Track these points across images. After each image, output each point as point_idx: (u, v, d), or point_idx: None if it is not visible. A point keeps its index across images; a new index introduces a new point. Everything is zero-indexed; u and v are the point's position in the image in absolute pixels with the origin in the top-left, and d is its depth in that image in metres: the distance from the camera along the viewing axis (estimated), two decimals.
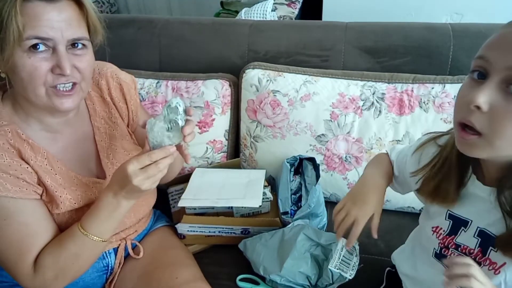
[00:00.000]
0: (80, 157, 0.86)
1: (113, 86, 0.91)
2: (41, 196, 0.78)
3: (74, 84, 0.75)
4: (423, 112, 1.12)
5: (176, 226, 1.04)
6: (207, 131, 1.24)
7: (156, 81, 1.26)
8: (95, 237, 0.77)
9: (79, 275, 0.81)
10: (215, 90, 1.23)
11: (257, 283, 0.96)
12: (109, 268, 0.95)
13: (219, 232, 1.05)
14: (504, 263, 0.63)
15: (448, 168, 0.68)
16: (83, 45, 0.75)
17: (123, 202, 0.77)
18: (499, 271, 0.63)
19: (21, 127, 0.77)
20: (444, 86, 1.11)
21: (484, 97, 0.54)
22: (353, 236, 0.74)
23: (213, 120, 1.24)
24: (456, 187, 0.68)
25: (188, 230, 1.04)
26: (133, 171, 0.71)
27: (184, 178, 1.23)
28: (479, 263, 0.66)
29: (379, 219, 0.76)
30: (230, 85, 1.25)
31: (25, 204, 0.75)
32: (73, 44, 0.73)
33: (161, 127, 0.73)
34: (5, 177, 0.72)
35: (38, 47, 0.69)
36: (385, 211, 1.12)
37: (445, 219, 0.71)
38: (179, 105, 0.73)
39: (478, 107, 0.55)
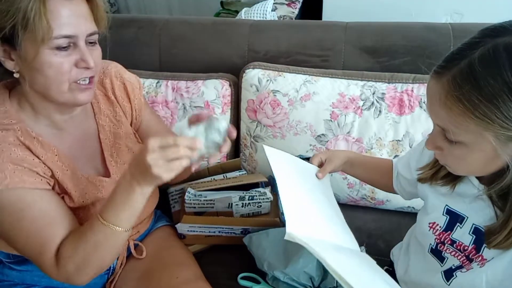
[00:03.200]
0: (86, 155, 0.86)
1: (117, 85, 0.92)
2: (53, 188, 0.78)
3: (91, 77, 0.77)
4: (423, 112, 1.12)
5: (176, 226, 1.04)
6: None
7: (156, 81, 1.26)
8: (114, 227, 0.72)
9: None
10: (215, 90, 1.23)
11: (258, 282, 0.96)
12: (111, 268, 0.95)
13: (219, 232, 1.05)
14: (492, 258, 0.65)
15: None
16: (95, 41, 0.77)
17: (136, 188, 0.70)
18: (484, 264, 0.66)
19: (29, 125, 0.77)
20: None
21: (431, 145, 0.65)
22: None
23: None
24: (457, 176, 0.70)
25: (188, 230, 1.04)
26: (152, 146, 0.65)
27: (185, 180, 1.23)
28: (471, 260, 0.68)
29: (330, 168, 0.91)
30: (230, 85, 1.25)
31: (41, 194, 0.75)
32: (89, 41, 0.75)
33: (201, 133, 0.72)
34: (20, 169, 0.72)
35: (65, 46, 0.71)
36: (385, 211, 1.13)
37: (443, 214, 0.73)
38: (224, 128, 0.72)
39: None
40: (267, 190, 1.10)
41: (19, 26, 0.67)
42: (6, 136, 0.73)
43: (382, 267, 0.97)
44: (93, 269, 0.76)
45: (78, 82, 0.75)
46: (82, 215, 0.83)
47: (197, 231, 1.04)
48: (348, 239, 0.79)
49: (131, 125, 0.97)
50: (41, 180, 0.75)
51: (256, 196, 1.06)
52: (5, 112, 0.75)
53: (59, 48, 0.70)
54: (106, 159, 0.88)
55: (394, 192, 0.93)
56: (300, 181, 0.82)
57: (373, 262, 0.77)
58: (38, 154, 0.76)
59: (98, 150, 0.89)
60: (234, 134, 0.74)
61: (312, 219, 0.75)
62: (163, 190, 1.22)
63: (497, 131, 0.54)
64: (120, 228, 0.73)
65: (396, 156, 1.15)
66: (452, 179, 0.71)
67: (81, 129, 0.86)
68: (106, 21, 0.80)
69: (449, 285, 0.72)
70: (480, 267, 0.66)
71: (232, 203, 1.06)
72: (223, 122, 0.73)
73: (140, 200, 0.73)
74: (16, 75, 0.73)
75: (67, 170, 0.80)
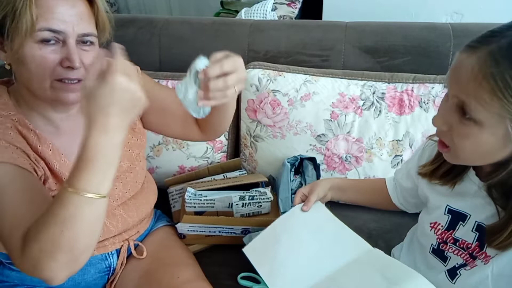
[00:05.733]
0: None
1: None
2: (46, 180, 0.76)
3: (79, 80, 0.74)
4: (423, 111, 1.12)
5: (176, 226, 1.04)
6: None
7: (156, 81, 1.26)
8: (87, 194, 0.59)
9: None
10: None
11: (258, 282, 0.96)
12: (111, 269, 0.95)
13: (219, 232, 1.05)
14: (495, 255, 0.65)
15: None
16: (91, 42, 0.75)
17: (113, 124, 0.59)
18: (488, 261, 0.66)
19: (27, 118, 0.77)
20: (444, 86, 1.11)
21: (440, 120, 0.62)
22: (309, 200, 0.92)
23: None
24: (457, 173, 0.70)
25: (188, 230, 1.04)
26: (116, 69, 0.57)
27: (184, 178, 1.23)
28: (475, 257, 0.68)
29: (314, 197, 0.93)
30: None
31: (27, 175, 0.70)
32: (82, 41, 0.74)
33: (194, 92, 0.69)
34: (12, 148, 0.70)
35: (49, 39, 0.69)
36: (385, 211, 1.13)
37: (444, 213, 0.73)
38: (205, 66, 0.68)
39: None
40: (267, 190, 1.10)
41: (8, 17, 0.67)
42: (4, 121, 0.73)
43: None
44: (64, 253, 0.59)
45: (62, 81, 0.72)
46: None
47: (197, 231, 1.04)
48: (342, 252, 0.84)
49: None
50: (25, 160, 0.71)
51: (256, 196, 1.06)
52: (4, 103, 0.75)
53: (44, 42, 0.69)
54: None
55: (396, 209, 0.93)
56: (278, 250, 0.88)
57: (383, 263, 0.79)
58: (34, 147, 0.75)
59: None
60: (210, 73, 0.67)
61: (292, 274, 0.83)
62: (164, 190, 1.22)
63: None
64: (93, 195, 0.59)
65: (396, 156, 1.15)
66: (451, 178, 0.70)
67: (79, 126, 0.85)
68: (108, 26, 0.80)
69: (454, 283, 0.72)
70: (485, 264, 0.66)
71: (232, 203, 1.06)
72: (201, 60, 0.69)
73: (117, 145, 0.61)
74: (7, 67, 0.73)
75: (61, 166, 0.80)
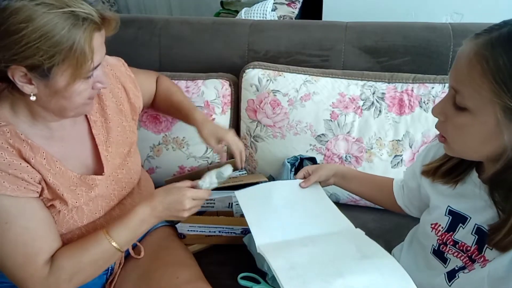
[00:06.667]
0: (77, 155, 0.86)
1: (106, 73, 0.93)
2: (41, 194, 0.77)
3: None
4: (423, 111, 1.12)
5: (176, 226, 1.04)
6: None
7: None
8: (117, 245, 0.80)
9: (88, 281, 0.81)
10: (215, 89, 1.23)
11: (258, 282, 0.96)
12: (110, 269, 0.95)
13: (219, 232, 1.05)
14: (493, 259, 0.65)
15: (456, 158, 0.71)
16: None
17: (153, 222, 0.84)
18: (485, 265, 0.65)
19: (20, 128, 0.76)
20: (444, 86, 1.11)
21: (438, 109, 0.64)
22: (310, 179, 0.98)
23: (213, 119, 1.24)
24: (460, 172, 0.70)
25: (188, 230, 1.04)
26: (191, 196, 0.84)
27: (183, 178, 1.22)
28: (474, 260, 0.67)
29: (315, 178, 0.98)
30: (230, 85, 1.25)
31: (25, 206, 0.74)
32: None
33: (214, 183, 0.90)
34: (3, 175, 0.71)
35: (91, 74, 0.74)
36: (385, 211, 1.13)
37: (445, 214, 0.73)
38: (228, 174, 0.91)
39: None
40: None
41: (59, 63, 0.68)
42: None
43: None
44: (82, 281, 0.79)
45: (89, 99, 0.79)
46: (75, 217, 0.83)
47: (197, 231, 1.04)
48: (325, 224, 0.90)
49: (132, 105, 0.99)
50: (25, 188, 0.73)
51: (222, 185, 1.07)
52: None
53: (88, 77, 0.73)
54: (101, 154, 0.88)
55: (396, 210, 0.94)
56: (268, 205, 0.95)
57: (361, 240, 0.84)
58: (27, 158, 0.75)
59: (91, 147, 0.89)
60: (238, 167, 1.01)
61: (276, 227, 0.88)
62: None
63: (508, 102, 0.53)
64: (119, 249, 0.80)
65: (396, 156, 1.15)
66: (454, 176, 0.70)
67: (73, 129, 0.87)
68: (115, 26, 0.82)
69: (450, 286, 0.72)
70: (482, 267, 0.66)
71: (232, 203, 1.06)
72: (229, 169, 0.91)
73: (146, 230, 0.85)
74: (32, 98, 0.72)
75: (56, 174, 0.79)
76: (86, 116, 0.89)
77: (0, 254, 0.73)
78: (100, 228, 0.81)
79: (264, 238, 0.84)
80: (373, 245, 0.80)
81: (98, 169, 0.89)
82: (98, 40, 0.72)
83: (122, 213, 0.91)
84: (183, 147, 1.24)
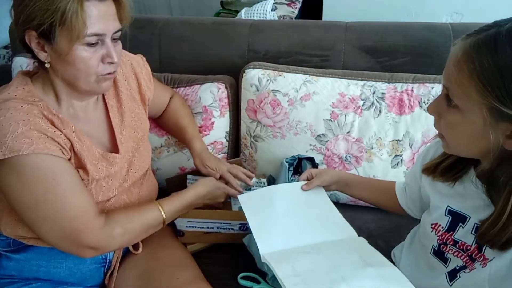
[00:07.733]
0: (97, 134, 0.93)
1: (123, 62, 0.99)
2: (69, 159, 0.83)
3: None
4: (423, 111, 1.12)
5: (175, 221, 1.04)
6: (208, 134, 1.24)
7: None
8: (164, 216, 0.91)
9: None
10: (211, 94, 1.23)
11: (258, 282, 0.96)
12: (107, 261, 0.96)
13: (217, 228, 1.05)
14: (493, 258, 0.65)
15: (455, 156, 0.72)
16: (118, 38, 0.84)
17: (195, 203, 0.98)
18: (486, 264, 0.66)
19: (50, 105, 0.83)
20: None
21: (432, 108, 0.66)
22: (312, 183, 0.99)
23: (213, 123, 1.23)
24: (458, 170, 0.71)
25: (187, 226, 1.04)
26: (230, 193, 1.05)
27: (183, 178, 1.22)
28: (474, 260, 0.67)
29: (318, 182, 0.99)
30: (226, 87, 1.24)
31: (65, 165, 0.81)
32: (113, 38, 0.82)
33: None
34: (44, 137, 0.78)
35: (94, 42, 0.78)
36: (385, 211, 1.12)
37: (445, 214, 0.73)
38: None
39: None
40: (265, 180, 1.12)
41: (57, 23, 0.74)
42: (31, 108, 0.79)
43: None
44: (131, 240, 0.90)
45: (105, 74, 0.83)
46: (93, 190, 0.87)
47: (195, 227, 1.04)
48: (328, 232, 0.91)
49: (142, 96, 1.04)
50: (61, 149, 0.80)
51: (254, 188, 1.09)
52: (29, 91, 0.82)
53: (89, 45, 0.78)
54: (117, 136, 0.94)
55: (399, 212, 0.95)
56: (271, 210, 0.96)
57: (364, 248, 0.85)
58: (59, 128, 0.82)
59: (107, 129, 0.95)
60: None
61: (279, 234, 0.90)
62: (163, 189, 1.22)
63: (493, 102, 0.54)
64: (165, 220, 0.92)
65: (396, 156, 1.15)
66: (453, 174, 0.71)
67: (95, 113, 0.93)
68: (129, 20, 0.86)
69: (451, 286, 0.72)
70: (482, 267, 0.66)
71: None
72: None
73: (188, 209, 0.99)
74: (47, 65, 0.80)
75: (83, 146, 0.86)
76: (104, 101, 0.95)
77: (51, 209, 0.78)
78: (106, 213, 0.86)
79: (268, 247, 0.86)
80: (375, 254, 0.82)
81: (114, 150, 0.94)
82: (99, 8, 0.77)
83: (129, 200, 0.96)
84: (184, 148, 1.24)
